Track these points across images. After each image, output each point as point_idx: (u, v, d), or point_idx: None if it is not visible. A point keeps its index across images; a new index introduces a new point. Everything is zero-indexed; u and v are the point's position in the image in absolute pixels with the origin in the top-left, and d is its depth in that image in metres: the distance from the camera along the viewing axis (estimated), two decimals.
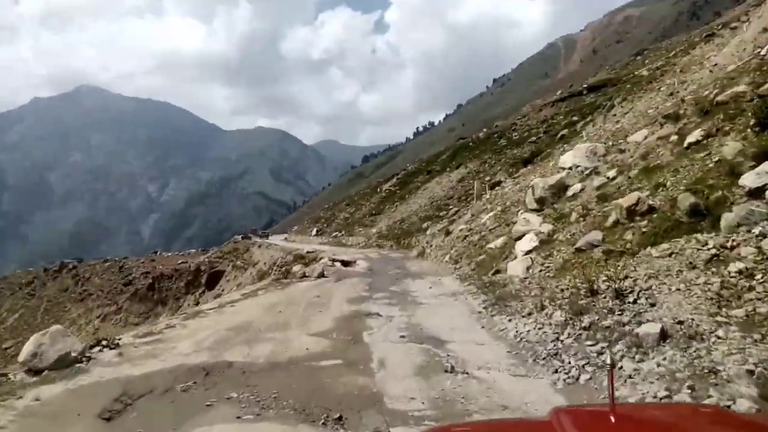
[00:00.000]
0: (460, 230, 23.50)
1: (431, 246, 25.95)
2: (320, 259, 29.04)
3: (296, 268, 20.30)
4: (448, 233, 24.68)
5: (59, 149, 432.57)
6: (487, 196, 25.53)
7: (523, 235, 15.57)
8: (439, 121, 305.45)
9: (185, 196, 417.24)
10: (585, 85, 63.14)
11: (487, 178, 47.78)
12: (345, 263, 26.28)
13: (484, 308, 10.38)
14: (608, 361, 1.81)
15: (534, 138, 50.78)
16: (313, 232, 66.74)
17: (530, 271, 12.39)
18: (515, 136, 57.55)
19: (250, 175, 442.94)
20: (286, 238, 71.74)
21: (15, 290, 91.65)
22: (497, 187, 27.07)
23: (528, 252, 14.38)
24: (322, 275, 17.80)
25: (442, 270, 19.88)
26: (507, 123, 68.12)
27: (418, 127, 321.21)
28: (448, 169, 56.55)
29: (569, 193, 16.89)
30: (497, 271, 15.07)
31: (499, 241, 17.57)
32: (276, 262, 39.40)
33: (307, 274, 17.71)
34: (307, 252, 31.81)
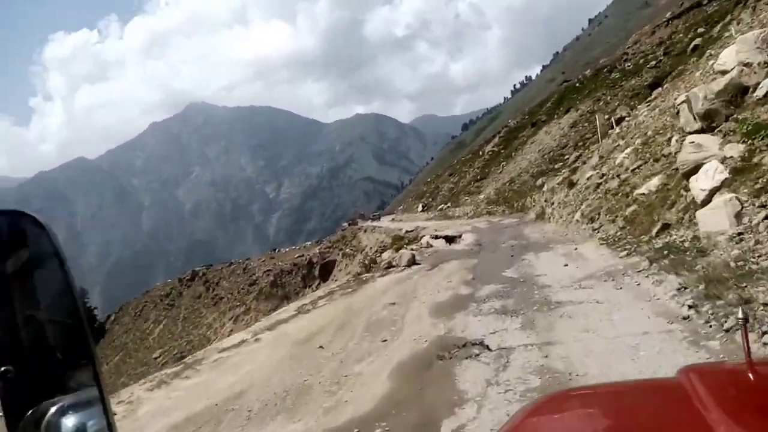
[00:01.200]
0: (588, 178, 17.95)
1: (552, 204, 20.56)
2: (421, 237, 24.73)
3: (386, 254, 16.04)
4: (572, 185, 19.19)
5: (181, 166, 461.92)
6: (617, 131, 19.58)
7: (698, 167, 10.11)
8: (536, 74, 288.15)
9: (300, 192, 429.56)
10: None
11: (605, 117, 40.78)
12: (449, 239, 21.74)
13: (691, 308, 5.27)
14: (740, 315, 1.48)
15: (654, 62, 42.92)
16: (419, 208, 62.64)
17: (746, 221, 7.05)
18: (629, 66, 49.43)
19: (355, 162, 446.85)
20: (393, 219, 68.18)
21: (156, 303, 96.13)
22: (626, 120, 20.92)
23: (715, 190, 9.02)
24: (413, 262, 13.32)
25: (575, 233, 14.65)
26: (616, 55, 59.45)
27: (515, 84, 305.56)
28: (555, 116, 49.71)
29: (757, 94, 11.02)
30: (665, 227, 9.83)
31: (654, 183, 12.16)
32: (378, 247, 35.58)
33: (393, 264, 13.33)
34: (406, 231, 27.51)
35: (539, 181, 35.09)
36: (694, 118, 12.80)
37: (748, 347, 1.45)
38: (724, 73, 14.36)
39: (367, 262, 14.76)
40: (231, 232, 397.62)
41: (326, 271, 55.00)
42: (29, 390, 0.96)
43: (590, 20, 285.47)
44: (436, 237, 23.66)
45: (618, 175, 15.60)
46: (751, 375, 1.40)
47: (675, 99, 17.04)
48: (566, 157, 37.80)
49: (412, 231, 27.47)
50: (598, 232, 13.30)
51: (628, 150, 16.48)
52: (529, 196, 31.67)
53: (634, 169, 14.64)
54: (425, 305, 7.80)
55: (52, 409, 0.96)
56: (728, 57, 14.95)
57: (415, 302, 8.22)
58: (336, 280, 47.89)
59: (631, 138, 17.68)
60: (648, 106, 19.49)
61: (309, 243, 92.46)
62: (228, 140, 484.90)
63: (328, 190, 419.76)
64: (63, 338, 1.05)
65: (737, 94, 12.10)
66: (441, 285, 9.42)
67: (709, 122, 12.03)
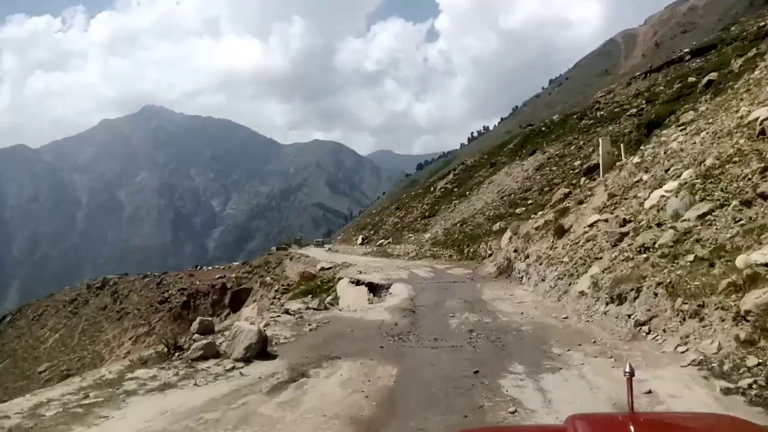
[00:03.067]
0: (592, 225, 11.16)
1: (526, 257, 13.67)
2: (337, 279, 17.67)
3: (246, 311, 9.40)
4: (562, 232, 12.39)
5: (127, 168, 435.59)
6: (636, 160, 12.92)
7: None
8: (494, 125, 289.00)
9: (246, 209, 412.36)
10: (686, 50, 49.23)
11: (577, 162, 35.13)
12: (372, 289, 14.76)
13: None
14: (627, 369, 1.60)
15: (634, 110, 37.81)
16: (359, 241, 55.46)
17: None
18: (602, 113, 44.40)
19: (308, 187, 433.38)
20: (329, 249, 60.68)
21: (59, 308, 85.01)
22: (649, 147, 14.25)
23: None
24: (259, 352, 5.94)
25: (585, 319, 7.87)
26: (587, 103, 54.96)
27: (472, 132, 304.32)
28: (518, 158, 43.89)
29: None
30: None
31: None
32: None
33: (220, 350, 5.98)
34: (322, 269, 20.17)
35: (496, 226, 28.71)
36: None
37: (632, 399, 1.49)
38: None
39: (169, 343, 6.88)
40: (169, 241, 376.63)
41: (238, 300, 46.60)
42: None
43: (551, 81, 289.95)
44: (357, 282, 16.59)
45: (659, 224, 8.88)
46: (632, 426, 1.41)
47: (742, 117, 10.71)
48: (529, 201, 31.81)
49: (329, 268, 20.10)
50: (650, 332, 6.37)
51: (671, 186, 9.79)
52: (484, 242, 25.12)
53: (705, 215, 7.88)
54: None
55: None
56: None
57: None
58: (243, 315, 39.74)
59: (666, 171, 11.03)
60: (682, 131, 13.00)
61: (236, 263, 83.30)
62: (180, 148, 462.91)
63: (276, 211, 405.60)
64: None
65: None
66: None
67: None
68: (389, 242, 43.14)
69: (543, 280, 11.67)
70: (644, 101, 38.77)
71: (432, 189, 56.47)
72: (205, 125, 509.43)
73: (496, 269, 16.16)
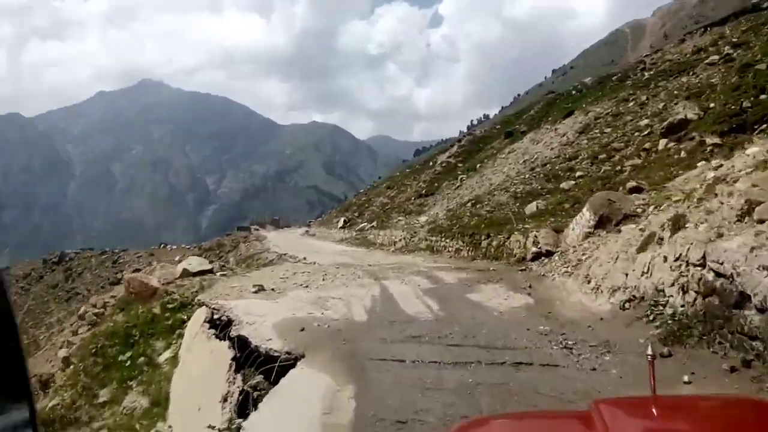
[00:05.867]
0: None
1: None
2: (196, 307, 6.90)
3: None
4: None
5: (122, 142, 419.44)
6: None
7: None
8: (495, 114, 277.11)
9: (241, 188, 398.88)
10: None
11: (644, 122, 24.00)
12: (249, 355, 4.60)
13: None
14: (650, 352, 1.61)
15: (716, 57, 26.77)
16: (340, 223, 44.59)
17: None
18: (650, 73, 33.15)
19: (304, 169, 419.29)
20: (306, 232, 49.73)
21: (12, 283, 73.44)
22: None
23: None
24: None
25: None
26: (629, 64, 43.81)
27: (472, 120, 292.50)
28: (546, 122, 32.68)
29: None
30: None
31: None
32: None
33: None
34: (181, 277, 8.96)
35: (531, 207, 17.69)
36: None
37: (654, 383, 1.50)
38: None
39: None
40: (161, 217, 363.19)
41: None
42: None
43: (554, 70, 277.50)
44: (225, 326, 5.91)
45: None
46: (654, 409, 1.40)
47: None
48: (579, 173, 20.80)
49: (196, 274, 8.96)
50: None
51: None
52: (518, 231, 14.12)
53: None
54: None
55: None
56: None
57: None
58: None
59: None
60: None
61: (206, 243, 72.14)
62: (176, 124, 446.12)
63: (271, 192, 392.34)
64: None
65: None
66: None
67: None
68: (372, 226, 32.16)
69: None
70: (727, 46, 27.69)
71: (431, 164, 45.15)
72: (202, 102, 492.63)
73: (636, 310, 5.05)
